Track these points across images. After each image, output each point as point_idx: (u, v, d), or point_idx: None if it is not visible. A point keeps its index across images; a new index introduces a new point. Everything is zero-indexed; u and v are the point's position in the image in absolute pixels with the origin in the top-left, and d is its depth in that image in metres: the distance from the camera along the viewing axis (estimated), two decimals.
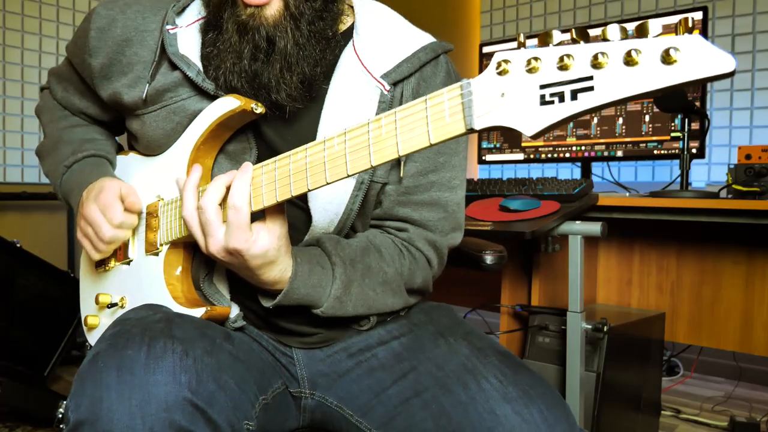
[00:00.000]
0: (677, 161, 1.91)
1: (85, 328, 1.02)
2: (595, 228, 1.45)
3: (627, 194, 1.88)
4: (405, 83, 0.90)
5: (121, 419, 0.65)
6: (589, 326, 1.49)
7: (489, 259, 1.20)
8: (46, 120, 1.08)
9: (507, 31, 2.95)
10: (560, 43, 0.54)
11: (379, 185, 0.90)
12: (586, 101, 0.50)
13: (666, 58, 0.47)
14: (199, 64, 0.87)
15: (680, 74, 0.47)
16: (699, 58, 0.47)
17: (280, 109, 0.85)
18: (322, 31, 0.84)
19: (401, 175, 0.90)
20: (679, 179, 1.67)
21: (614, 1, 2.60)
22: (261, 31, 0.81)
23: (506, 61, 0.54)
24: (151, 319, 0.78)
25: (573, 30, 0.53)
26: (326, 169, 0.68)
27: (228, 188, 0.76)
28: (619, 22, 1.93)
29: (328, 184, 0.69)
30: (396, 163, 0.90)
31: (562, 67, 0.51)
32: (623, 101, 0.50)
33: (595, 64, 0.50)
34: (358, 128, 0.65)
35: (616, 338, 1.58)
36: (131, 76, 0.91)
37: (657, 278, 1.96)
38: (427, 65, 0.91)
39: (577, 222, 1.50)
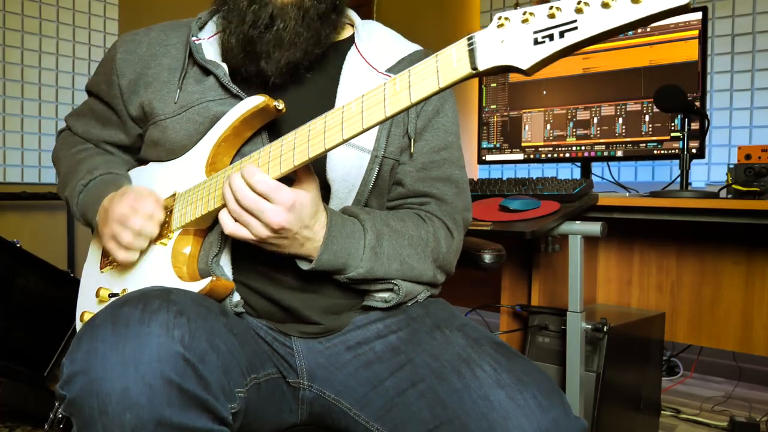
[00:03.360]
0: (677, 161, 1.91)
1: (79, 324, 1.02)
2: (595, 228, 1.45)
3: (627, 194, 1.88)
4: None
5: (114, 368, 0.67)
6: (589, 326, 1.49)
7: (488, 258, 1.20)
8: (66, 154, 1.11)
9: None
10: None
11: (392, 161, 0.96)
12: (571, 37, 0.61)
13: (635, 0, 0.59)
14: (226, 67, 0.95)
15: (645, 9, 0.58)
16: None
17: (263, 79, 0.93)
18: (319, 31, 0.93)
19: (411, 151, 0.98)
20: (679, 179, 1.67)
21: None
22: (268, 9, 0.90)
23: (506, 18, 0.65)
24: (150, 288, 0.81)
25: None
26: (343, 128, 0.75)
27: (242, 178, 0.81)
28: None
29: (344, 141, 0.75)
30: (407, 144, 0.98)
31: (551, 16, 0.62)
32: (603, 35, 0.60)
33: (578, 10, 0.61)
34: (374, 90, 0.73)
35: (616, 338, 1.58)
36: (158, 84, 0.98)
37: (657, 278, 1.96)
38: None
39: (577, 222, 1.50)
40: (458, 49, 0.67)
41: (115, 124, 1.06)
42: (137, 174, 1.06)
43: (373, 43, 1.01)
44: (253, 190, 0.79)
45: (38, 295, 1.98)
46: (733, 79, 2.31)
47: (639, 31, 1.87)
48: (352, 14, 1.05)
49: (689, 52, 1.79)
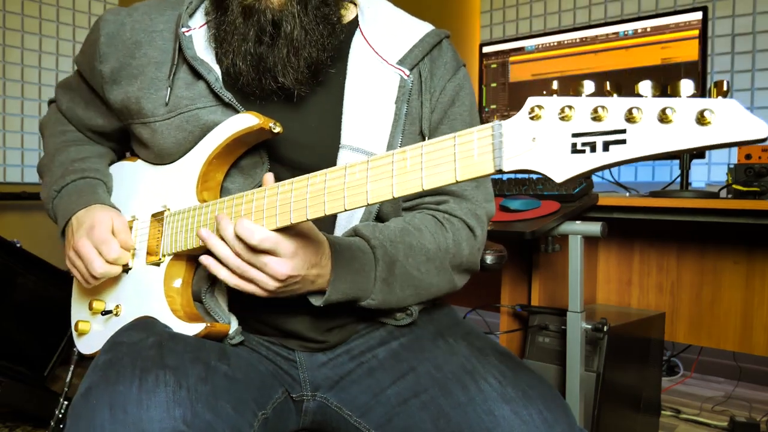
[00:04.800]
0: (677, 161, 1.91)
1: (74, 333, 1.01)
2: (595, 228, 1.45)
3: (627, 194, 1.88)
4: (420, 65, 0.93)
5: None
6: (589, 326, 1.49)
7: (489, 258, 1.20)
8: (48, 134, 1.09)
9: (507, 31, 2.95)
10: (592, 94, 0.54)
11: None
12: (617, 153, 0.51)
13: (701, 120, 0.48)
14: (218, 70, 0.88)
15: (713, 136, 0.48)
16: (733, 122, 0.47)
17: (286, 92, 0.86)
18: (328, 16, 0.86)
19: None
20: (679, 179, 1.67)
21: (614, 1, 2.60)
22: (267, 15, 0.82)
23: (540, 107, 0.55)
24: (143, 344, 0.77)
25: (607, 83, 0.55)
26: (345, 196, 0.67)
27: (237, 236, 0.75)
28: (619, 22, 1.93)
29: (345, 210, 0.68)
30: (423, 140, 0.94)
31: (596, 118, 0.52)
32: (655, 157, 0.50)
33: (630, 118, 0.50)
34: (382, 158, 0.65)
35: (616, 338, 1.58)
36: (144, 78, 0.91)
37: (657, 278, 1.96)
38: (433, 48, 0.95)
39: (577, 222, 1.50)
40: (480, 138, 0.58)
41: (97, 107, 1.01)
42: (125, 173, 1.02)
43: (380, 27, 0.93)
44: (256, 250, 0.74)
45: (38, 295, 1.98)
46: (733, 79, 2.31)
47: (639, 30, 1.87)
48: None
49: (689, 52, 1.79)
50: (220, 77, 0.88)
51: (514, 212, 1.56)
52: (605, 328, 1.48)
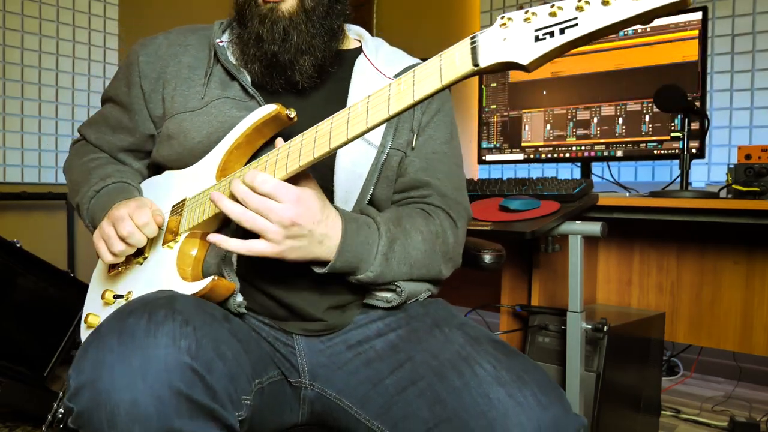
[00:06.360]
0: (677, 161, 1.91)
1: (83, 325, 1.03)
2: (595, 228, 1.45)
3: (627, 194, 1.88)
4: None
5: (121, 379, 0.67)
6: (589, 326, 1.49)
7: (488, 258, 1.20)
8: (75, 164, 1.13)
9: None
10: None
11: (401, 153, 1.01)
12: (572, 33, 0.63)
13: None
14: (248, 76, 1.00)
15: (644, 5, 0.59)
16: None
17: (295, 87, 0.99)
18: (330, 25, 0.99)
19: (413, 145, 1.02)
20: (679, 179, 1.67)
21: None
22: (278, 24, 0.96)
23: (509, 18, 0.67)
24: (154, 296, 0.81)
25: None
26: (348, 128, 0.76)
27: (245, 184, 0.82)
28: None
29: (348, 140, 0.76)
30: (413, 138, 1.04)
31: (552, 14, 0.64)
32: (602, 31, 0.62)
33: (579, 8, 0.62)
34: (380, 90, 0.75)
35: (616, 338, 1.58)
36: (178, 80, 1.02)
37: (657, 278, 1.96)
38: None
39: (577, 222, 1.50)
40: (461, 48, 0.69)
41: (126, 128, 1.08)
42: (152, 183, 1.08)
43: (380, 54, 1.07)
44: (258, 193, 0.80)
45: (38, 295, 1.98)
46: (733, 79, 2.31)
47: (639, 30, 1.87)
48: (361, 30, 1.11)
49: (689, 52, 1.79)
50: (250, 81, 1.00)
51: (514, 212, 1.56)
52: (605, 328, 1.49)
